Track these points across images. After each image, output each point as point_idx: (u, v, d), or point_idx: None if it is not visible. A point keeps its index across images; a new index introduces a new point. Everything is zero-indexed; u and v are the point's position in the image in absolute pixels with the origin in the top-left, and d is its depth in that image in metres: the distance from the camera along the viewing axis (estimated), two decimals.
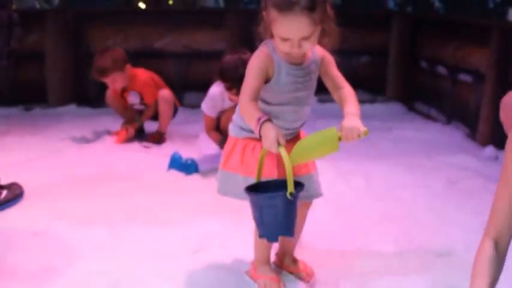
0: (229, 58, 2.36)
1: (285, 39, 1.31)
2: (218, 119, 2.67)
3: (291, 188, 1.28)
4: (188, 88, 3.69)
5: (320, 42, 1.38)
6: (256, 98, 1.36)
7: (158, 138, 2.96)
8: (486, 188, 2.26)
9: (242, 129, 1.46)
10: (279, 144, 1.26)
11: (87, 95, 3.71)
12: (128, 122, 3.04)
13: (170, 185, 2.32)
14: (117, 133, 2.99)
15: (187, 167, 2.45)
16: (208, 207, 2.03)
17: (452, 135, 3.17)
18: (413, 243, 1.80)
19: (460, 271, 1.58)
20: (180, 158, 2.48)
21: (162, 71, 3.27)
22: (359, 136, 1.31)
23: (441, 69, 3.52)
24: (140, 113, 3.06)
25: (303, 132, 1.54)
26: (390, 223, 1.95)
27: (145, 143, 2.93)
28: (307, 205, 1.58)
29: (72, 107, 3.65)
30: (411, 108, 3.84)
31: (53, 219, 1.93)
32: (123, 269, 1.61)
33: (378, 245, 1.78)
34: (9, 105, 3.57)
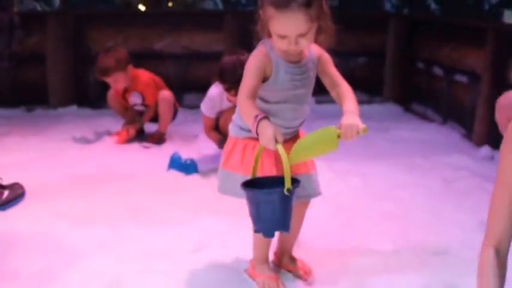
0: (227, 59, 2.38)
1: (282, 37, 1.32)
2: (217, 119, 2.69)
3: (288, 184, 1.29)
4: (187, 89, 3.70)
5: (316, 40, 1.39)
6: (254, 96, 1.37)
7: (158, 139, 2.98)
8: (482, 188, 2.27)
9: (242, 129, 1.47)
10: (276, 141, 1.27)
11: (88, 96, 3.73)
12: (128, 122, 3.06)
13: (170, 185, 2.33)
14: (117, 133, 3.00)
15: (186, 167, 2.46)
16: (207, 206, 2.05)
17: (449, 135, 3.19)
18: (410, 242, 1.81)
19: (456, 269, 1.61)
20: (179, 158, 2.49)
21: (162, 72, 3.28)
22: (358, 133, 1.32)
23: (437, 70, 3.54)
24: (141, 114, 3.08)
25: (302, 132, 1.55)
26: (388, 222, 1.96)
27: (145, 143, 2.94)
28: (305, 204, 1.59)
29: (73, 108, 3.66)
30: (408, 109, 3.86)
31: (54, 219, 1.93)
32: (124, 268, 1.61)
33: (376, 244, 1.79)
34: (10, 106, 3.59)
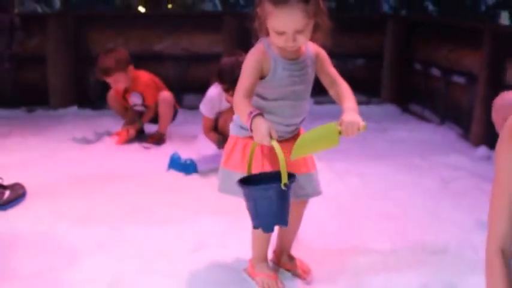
0: (226, 60, 2.38)
1: (280, 33, 1.33)
2: (216, 120, 2.70)
3: (285, 179, 1.30)
4: (187, 90, 3.71)
5: (312, 37, 1.40)
6: (251, 95, 1.37)
7: (158, 139, 2.99)
8: (479, 187, 2.29)
9: (242, 128, 1.48)
10: (271, 137, 1.28)
11: (88, 97, 3.74)
12: (128, 123, 3.07)
13: (170, 185, 2.34)
14: (117, 134, 3.01)
15: (186, 167, 2.47)
16: (207, 206, 2.06)
17: (446, 135, 3.20)
18: (409, 242, 1.82)
19: (455, 268, 1.62)
20: (179, 158, 2.50)
21: (162, 74, 3.30)
22: (358, 130, 1.34)
23: (435, 71, 3.56)
24: (140, 114, 3.09)
25: (303, 131, 1.55)
26: (386, 222, 1.97)
27: (145, 144, 2.95)
28: (304, 204, 1.60)
29: (73, 109, 3.67)
30: (406, 110, 3.87)
31: (54, 219, 1.94)
32: (124, 267, 1.61)
33: (374, 243, 1.79)
34: (11, 106, 3.60)
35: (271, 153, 1.41)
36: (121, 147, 2.91)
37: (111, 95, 3.13)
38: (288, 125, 1.47)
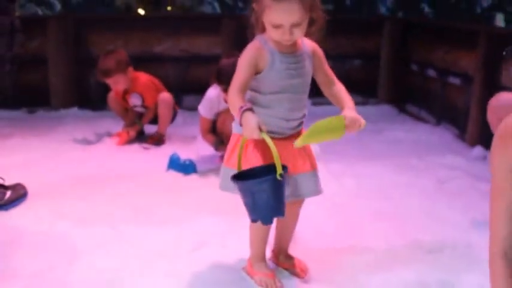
0: (225, 61, 2.40)
1: (277, 27, 1.35)
2: (214, 121, 2.72)
3: (279, 169, 1.31)
4: (187, 91, 3.73)
5: (308, 32, 1.42)
6: (244, 90, 1.39)
7: (157, 140, 3.00)
8: (475, 187, 2.30)
9: None
10: (261, 130, 1.28)
11: (89, 98, 3.76)
12: (128, 124, 3.09)
13: (169, 185, 2.35)
14: (118, 135, 3.03)
15: (185, 167, 2.48)
16: (206, 206, 2.06)
17: (442, 136, 3.20)
18: (405, 241, 1.82)
19: (450, 266, 1.64)
20: (178, 158, 2.51)
21: (162, 75, 3.31)
22: (359, 127, 1.37)
23: (431, 72, 3.57)
24: (140, 115, 3.11)
25: (304, 131, 1.54)
26: (382, 221, 1.98)
27: (145, 145, 2.96)
28: (300, 203, 1.60)
29: (74, 110, 3.68)
30: (402, 110, 3.89)
31: (55, 219, 1.95)
32: (124, 267, 1.62)
33: (371, 243, 1.80)
34: (13, 108, 3.61)
35: (264, 148, 1.40)
36: (121, 148, 2.92)
37: (111, 96, 3.14)
38: (288, 120, 1.47)
